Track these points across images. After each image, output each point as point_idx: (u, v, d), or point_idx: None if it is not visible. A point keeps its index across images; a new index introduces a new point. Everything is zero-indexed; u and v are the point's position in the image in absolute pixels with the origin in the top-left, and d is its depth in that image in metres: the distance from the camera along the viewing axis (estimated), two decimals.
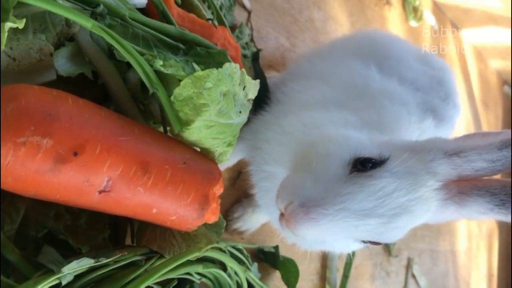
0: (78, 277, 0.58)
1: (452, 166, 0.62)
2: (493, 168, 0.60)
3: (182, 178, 0.63)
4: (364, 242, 0.63)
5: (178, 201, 0.63)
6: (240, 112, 0.69)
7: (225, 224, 0.78)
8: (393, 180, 0.59)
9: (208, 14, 0.89)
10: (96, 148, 0.54)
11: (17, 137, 0.49)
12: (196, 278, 0.73)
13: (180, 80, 0.62)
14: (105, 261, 0.60)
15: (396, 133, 0.77)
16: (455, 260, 2.23)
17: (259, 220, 1.07)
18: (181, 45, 0.72)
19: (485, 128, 2.82)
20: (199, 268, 0.72)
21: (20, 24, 0.51)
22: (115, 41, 0.59)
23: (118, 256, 0.62)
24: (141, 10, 0.73)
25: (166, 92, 0.63)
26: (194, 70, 0.66)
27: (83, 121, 0.54)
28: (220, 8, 1.02)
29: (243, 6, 1.24)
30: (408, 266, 1.76)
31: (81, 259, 0.56)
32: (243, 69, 0.68)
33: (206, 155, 0.70)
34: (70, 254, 0.60)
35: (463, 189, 0.62)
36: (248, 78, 0.69)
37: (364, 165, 0.60)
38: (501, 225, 2.92)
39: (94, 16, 0.61)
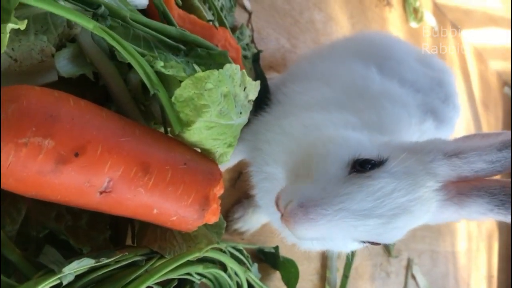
0: (79, 277, 0.58)
1: (452, 167, 0.62)
2: (492, 169, 0.60)
3: (183, 179, 0.63)
4: (362, 242, 0.64)
5: (179, 201, 0.63)
6: (240, 113, 0.70)
7: (225, 224, 0.78)
8: (392, 180, 0.59)
9: (208, 15, 0.89)
10: (97, 149, 0.54)
11: (19, 138, 0.49)
12: (196, 279, 0.73)
13: (180, 81, 0.62)
14: (105, 261, 0.60)
15: (396, 135, 0.77)
16: (455, 261, 2.23)
17: (260, 220, 1.07)
18: (182, 46, 0.72)
19: (485, 129, 2.82)
20: (200, 269, 0.72)
21: (22, 25, 0.51)
22: (116, 42, 0.60)
23: (119, 256, 0.62)
24: (142, 11, 0.74)
25: (167, 93, 0.63)
26: (195, 71, 0.66)
27: (84, 122, 0.54)
28: (221, 9, 1.02)
29: (244, 7, 1.25)
30: (408, 267, 1.76)
31: (82, 259, 0.56)
32: (244, 70, 0.68)
33: (206, 156, 0.71)
34: (71, 255, 0.60)
35: (462, 190, 0.62)
36: (248, 79, 0.69)
37: (363, 166, 0.60)
38: (501, 226, 2.92)
39: (95, 17, 0.62)
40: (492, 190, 0.60)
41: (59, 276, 0.54)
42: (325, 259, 1.32)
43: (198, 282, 0.75)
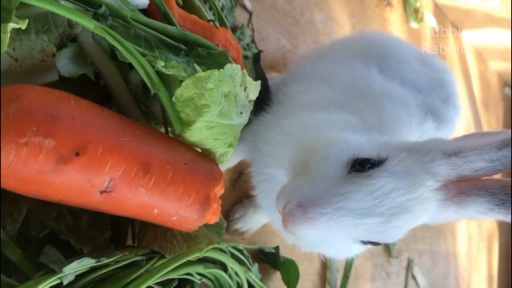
0: (79, 277, 0.58)
1: (452, 167, 0.62)
2: (492, 168, 0.60)
3: (183, 179, 0.63)
4: (363, 242, 0.63)
5: (179, 201, 0.63)
6: (241, 113, 0.70)
7: (226, 224, 0.78)
8: (391, 180, 0.59)
9: (209, 15, 0.89)
10: (98, 148, 0.54)
11: (19, 138, 0.49)
12: (196, 279, 0.73)
13: (181, 81, 0.62)
14: (106, 261, 0.60)
15: (397, 135, 0.77)
16: (456, 261, 2.23)
17: (260, 220, 1.07)
18: (182, 46, 0.72)
19: (485, 129, 2.82)
20: (200, 269, 0.72)
21: (23, 25, 0.51)
22: (117, 42, 0.60)
23: (119, 256, 0.62)
24: (143, 11, 0.74)
25: (167, 93, 0.63)
26: (196, 71, 0.66)
27: (85, 121, 0.54)
28: (222, 9, 1.02)
29: (244, 8, 1.25)
30: (409, 267, 1.76)
31: (82, 259, 0.57)
32: (244, 70, 0.68)
33: (207, 156, 0.71)
34: (72, 254, 0.60)
35: (462, 189, 0.62)
36: (249, 79, 0.69)
37: (362, 166, 0.60)
38: (501, 226, 2.92)
39: (96, 17, 0.62)
40: (493, 190, 0.60)
41: (59, 275, 0.55)
42: (326, 259, 1.31)
43: (199, 282, 0.74)
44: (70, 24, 0.63)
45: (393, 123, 0.79)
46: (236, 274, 0.80)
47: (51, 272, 0.55)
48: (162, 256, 0.68)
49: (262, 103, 0.90)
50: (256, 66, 1.05)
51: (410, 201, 0.59)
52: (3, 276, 0.55)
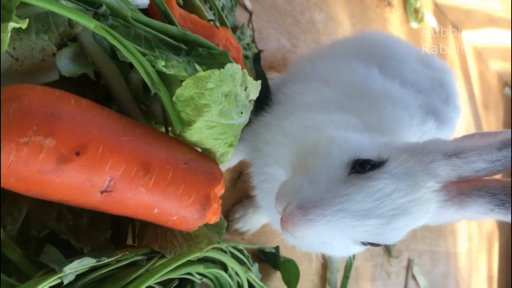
0: (79, 276, 0.58)
1: (452, 167, 0.62)
2: (493, 169, 0.60)
3: (184, 179, 0.63)
4: (363, 243, 0.63)
5: (180, 201, 0.63)
6: (241, 112, 0.70)
7: (226, 224, 0.78)
8: (392, 181, 0.59)
9: (209, 15, 0.89)
10: (98, 148, 0.54)
11: (20, 137, 0.49)
12: (197, 278, 0.73)
13: (182, 81, 0.62)
14: (106, 260, 0.60)
15: (397, 135, 0.77)
16: (456, 261, 2.23)
17: (260, 220, 1.07)
18: (183, 46, 0.72)
19: (485, 129, 2.82)
20: (200, 268, 0.72)
21: (23, 24, 0.51)
22: (118, 42, 0.60)
23: (120, 256, 0.62)
24: (143, 11, 0.74)
25: (168, 92, 0.63)
26: (196, 71, 0.66)
27: (85, 121, 0.54)
28: (222, 9, 1.02)
29: (245, 7, 1.25)
30: (409, 267, 1.76)
31: (83, 258, 0.57)
32: (245, 70, 0.68)
33: (207, 156, 0.71)
34: (72, 254, 0.60)
35: (463, 190, 0.62)
36: (249, 79, 0.69)
37: (362, 167, 0.60)
38: (501, 226, 2.92)
39: (96, 16, 0.62)
40: (493, 190, 0.60)
41: (60, 275, 0.55)
42: (325, 259, 1.32)
43: (199, 282, 0.74)
44: (71, 23, 0.63)
45: (394, 123, 0.79)
46: (237, 274, 0.81)
47: (52, 271, 0.55)
48: (163, 256, 0.68)
49: (262, 103, 0.90)
50: (256, 66, 1.05)
51: (411, 203, 0.58)
52: (3, 275, 0.55)
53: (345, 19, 1.74)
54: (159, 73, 0.63)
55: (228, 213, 1.06)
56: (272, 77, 1.16)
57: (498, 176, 0.62)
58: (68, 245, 0.63)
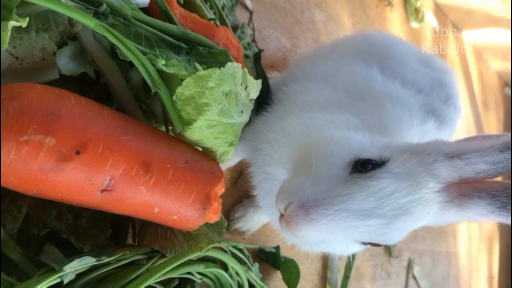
0: (79, 275, 0.58)
1: (453, 169, 0.62)
2: (494, 171, 0.60)
3: (184, 178, 0.63)
4: (363, 243, 0.63)
5: (180, 200, 0.63)
6: (242, 112, 0.69)
7: (226, 224, 0.78)
8: (393, 181, 0.58)
9: (210, 14, 0.89)
10: (98, 147, 0.54)
11: (20, 136, 0.49)
12: (197, 278, 0.73)
13: (182, 80, 0.62)
14: (106, 260, 0.60)
15: (398, 135, 0.77)
16: (456, 261, 2.23)
17: (260, 220, 1.07)
18: (183, 45, 0.72)
19: (486, 130, 2.82)
20: (200, 268, 0.72)
21: (23, 23, 0.51)
22: (118, 40, 0.60)
23: (120, 255, 0.62)
24: (144, 10, 0.74)
25: (168, 91, 0.63)
26: (196, 70, 0.66)
27: (85, 120, 0.54)
28: (222, 8, 1.02)
29: (245, 7, 1.25)
30: (409, 267, 1.76)
31: (83, 257, 0.57)
32: (245, 69, 0.68)
33: (207, 155, 0.70)
34: (72, 253, 0.60)
35: (464, 191, 0.62)
36: (250, 78, 0.69)
37: (364, 166, 0.60)
38: (501, 227, 2.92)
39: (97, 15, 0.62)
40: (494, 192, 0.60)
41: (60, 274, 0.54)
42: (326, 259, 1.32)
43: (199, 281, 0.74)
44: (71, 22, 0.63)
45: (394, 123, 0.79)
46: (237, 273, 0.80)
47: (52, 270, 0.55)
48: (163, 255, 0.68)
49: (263, 102, 0.90)
50: (257, 65, 1.05)
51: (412, 203, 0.58)
52: (3, 274, 0.55)
53: (346, 19, 1.74)
54: (160, 72, 0.63)
55: (229, 213, 1.06)
56: (273, 76, 1.16)
57: (499, 178, 0.62)
58: (68, 244, 0.63)
